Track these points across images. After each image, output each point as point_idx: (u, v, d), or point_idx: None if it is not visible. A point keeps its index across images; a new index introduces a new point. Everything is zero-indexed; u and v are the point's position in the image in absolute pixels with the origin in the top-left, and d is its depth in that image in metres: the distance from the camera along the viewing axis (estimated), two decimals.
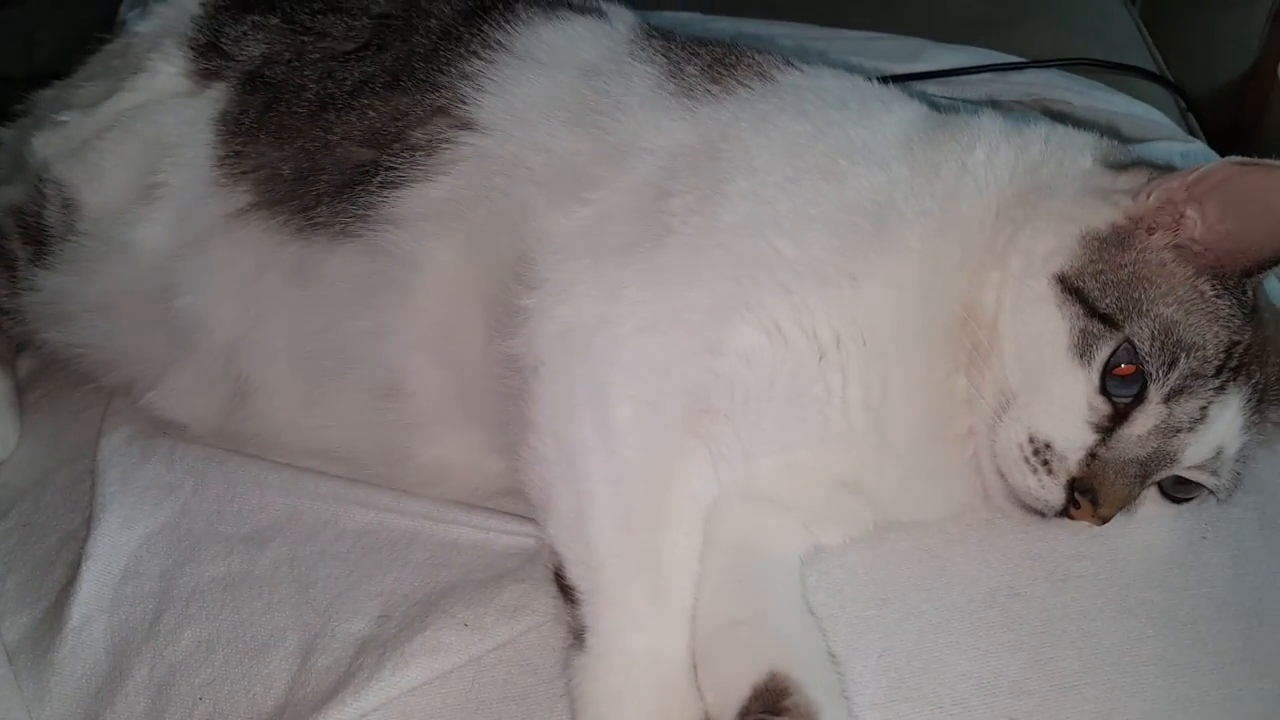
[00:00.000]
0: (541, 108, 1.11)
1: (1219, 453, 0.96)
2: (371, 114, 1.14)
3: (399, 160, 1.11)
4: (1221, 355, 0.93)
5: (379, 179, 1.11)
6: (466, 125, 1.11)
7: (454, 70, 1.14)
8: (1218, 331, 0.94)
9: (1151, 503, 1.00)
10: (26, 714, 0.98)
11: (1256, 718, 0.93)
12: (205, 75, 1.25)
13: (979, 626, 0.97)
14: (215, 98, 1.22)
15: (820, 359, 0.96)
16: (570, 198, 1.03)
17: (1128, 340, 0.92)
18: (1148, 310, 0.93)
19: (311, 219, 1.13)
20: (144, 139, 1.22)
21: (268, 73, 1.22)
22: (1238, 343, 0.94)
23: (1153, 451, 0.94)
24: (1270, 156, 0.92)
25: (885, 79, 1.18)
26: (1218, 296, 0.95)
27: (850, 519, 1.04)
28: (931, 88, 1.53)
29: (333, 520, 1.09)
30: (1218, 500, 1.00)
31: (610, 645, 0.90)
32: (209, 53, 1.26)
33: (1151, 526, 1.02)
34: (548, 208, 1.03)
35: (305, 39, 1.23)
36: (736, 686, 0.90)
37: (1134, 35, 2.00)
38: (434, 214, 1.09)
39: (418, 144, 1.11)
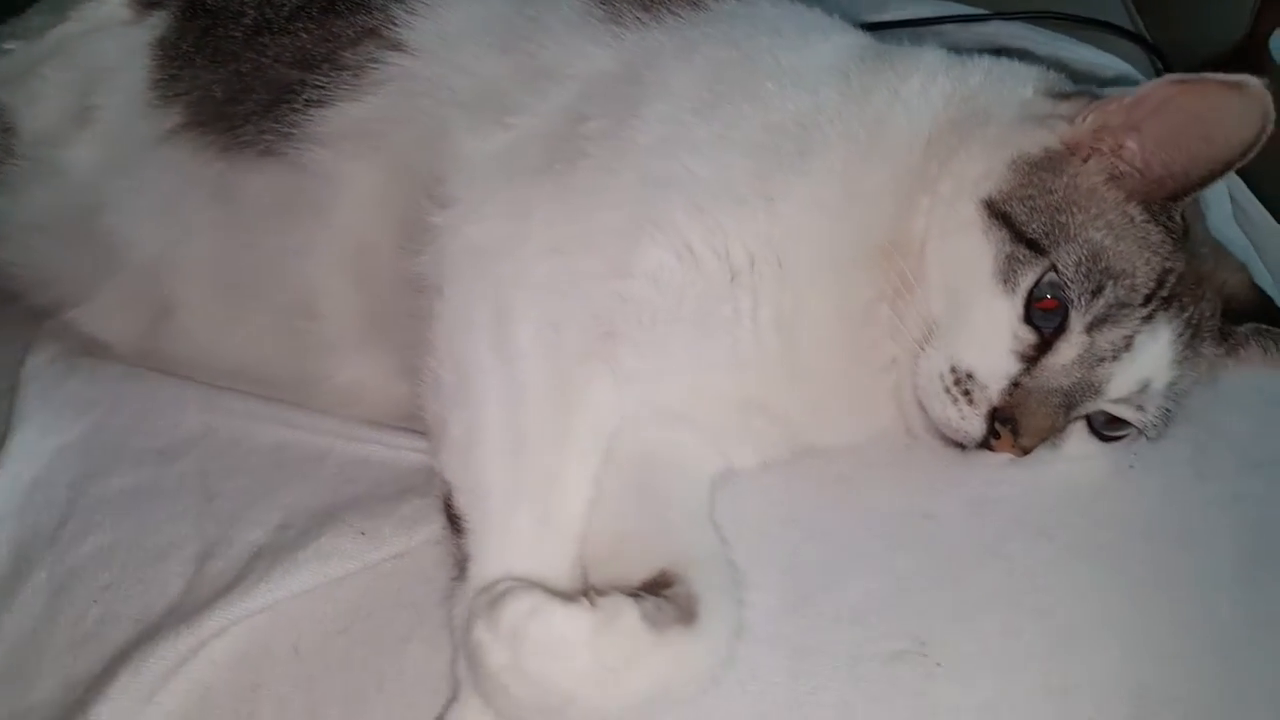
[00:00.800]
0: (471, 32, 1.10)
1: (1145, 386, 0.93)
2: (305, 36, 1.14)
3: (327, 79, 1.10)
4: (1152, 283, 0.91)
5: (305, 97, 1.10)
6: (396, 47, 1.10)
7: None
8: (1149, 258, 0.91)
9: (1078, 439, 0.97)
10: None
11: (1165, 636, 0.90)
12: (148, 4, 1.25)
13: (888, 547, 0.96)
14: (154, 24, 1.23)
15: (731, 280, 0.94)
16: (491, 121, 1.02)
17: (1053, 266, 0.90)
18: (1075, 235, 0.91)
19: (238, 137, 1.12)
20: (83, 65, 1.23)
21: (208, 1, 1.22)
22: (1170, 270, 0.92)
23: (1077, 381, 0.92)
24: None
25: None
26: (1148, 222, 0.92)
27: (762, 441, 1.02)
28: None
29: (246, 436, 1.09)
30: (1147, 439, 0.97)
31: (492, 574, 0.86)
32: None
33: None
34: (467, 130, 1.02)
35: None
36: (626, 581, 0.88)
37: None
38: (357, 133, 1.08)
39: (347, 64, 1.11)
